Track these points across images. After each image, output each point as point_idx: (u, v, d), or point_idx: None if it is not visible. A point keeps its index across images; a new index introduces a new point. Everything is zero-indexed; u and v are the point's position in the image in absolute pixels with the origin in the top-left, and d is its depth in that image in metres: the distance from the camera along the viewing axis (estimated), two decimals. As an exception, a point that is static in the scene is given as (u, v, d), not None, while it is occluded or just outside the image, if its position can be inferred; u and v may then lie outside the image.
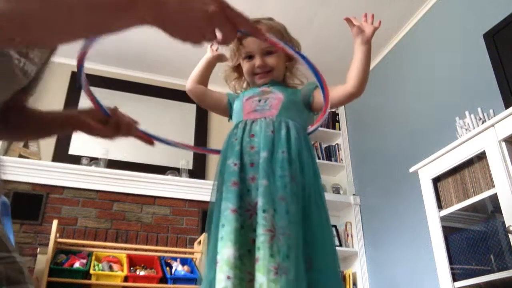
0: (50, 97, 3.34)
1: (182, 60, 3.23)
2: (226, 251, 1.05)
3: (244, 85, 1.47)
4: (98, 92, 4.21)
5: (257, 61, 1.35)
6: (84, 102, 3.90)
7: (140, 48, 3.35)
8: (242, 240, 1.08)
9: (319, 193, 1.20)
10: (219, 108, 1.48)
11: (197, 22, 0.59)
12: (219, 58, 1.54)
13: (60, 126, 1.04)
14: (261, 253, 1.03)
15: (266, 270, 1.00)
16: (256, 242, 1.06)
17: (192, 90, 1.49)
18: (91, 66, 3.53)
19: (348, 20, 1.35)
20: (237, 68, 1.45)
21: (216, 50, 1.54)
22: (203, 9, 0.58)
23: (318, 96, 1.32)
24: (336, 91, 1.31)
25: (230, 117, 1.44)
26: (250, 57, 1.37)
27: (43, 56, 0.82)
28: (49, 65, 0.89)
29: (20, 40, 0.54)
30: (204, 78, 1.52)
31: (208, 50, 1.56)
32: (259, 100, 1.32)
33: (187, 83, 1.51)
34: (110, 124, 1.04)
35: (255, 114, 1.29)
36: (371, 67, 3.89)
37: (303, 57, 1.05)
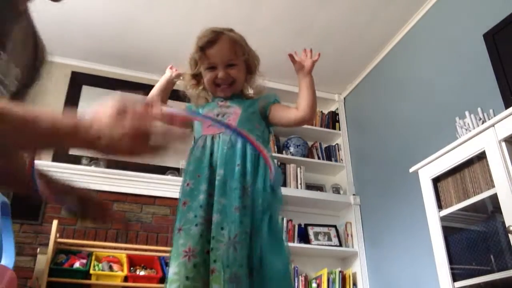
0: (50, 97, 3.34)
1: (183, 61, 3.23)
2: (182, 258, 1.16)
3: (202, 93, 1.48)
4: (98, 92, 4.20)
5: (220, 73, 1.38)
6: (85, 102, 3.89)
7: (141, 48, 3.35)
8: (199, 249, 1.16)
9: (272, 204, 1.23)
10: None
11: (131, 146, 0.67)
12: (178, 76, 1.62)
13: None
14: (217, 265, 1.12)
15: (222, 281, 1.10)
16: (211, 254, 1.15)
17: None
18: (92, 66, 3.53)
19: (290, 56, 1.44)
20: (196, 76, 1.46)
21: (176, 70, 1.63)
22: (126, 135, 0.66)
23: (274, 111, 1.39)
24: (289, 115, 1.39)
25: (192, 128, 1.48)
26: (212, 68, 1.40)
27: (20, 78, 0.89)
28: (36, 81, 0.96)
29: None
30: (163, 97, 1.58)
31: (167, 71, 1.64)
32: (217, 115, 1.37)
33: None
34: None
35: (213, 130, 1.33)
36: (371, 67, 3.89)
37: (228, 127, 1.20)
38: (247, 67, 1.44)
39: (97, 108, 0.71)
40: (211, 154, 1.29)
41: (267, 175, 1.25)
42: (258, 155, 1.25)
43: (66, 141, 0.69)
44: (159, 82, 1.63)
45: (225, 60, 1.38)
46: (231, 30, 1.44)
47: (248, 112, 1.37)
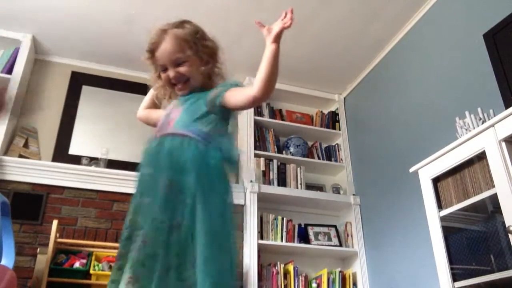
0: (50, 97, 3.35)
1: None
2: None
3: (166, 93, 1.46)
4: (98, 92, 4.21)
5: (170, 73, 1.36)
6: (85, 102, 3.91)
7: (141, 48, 3.35)
8: (123, 251, 1.17)
9: (210, 200, 1.17)
10: None
11: None
12: None
13: None
14: (127, 266, 1.11)
15: (124, 281, 1.09)
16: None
17: (140, 117, 1.60)
18: (92, 66, 3.53)
19: (258, 23, 1.30)
20: (160, 77, 1.44)
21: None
22: None
23: (229, 96, 1.28)
24: (241, 96, 1.27)
25: None
26: (164, 69, 1.38)
27: None
28: None
29: None
30: (153, 106, 1.59)
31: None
32: (165, 116, 1.37)
33: (138, 112, 1.61)
34: None
35: (159, 131, 1.33)
36: (371, 67, 3.89)
37: None
38: (200, 60, 1.37)
39: None
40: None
41: (206, 166, 1.20)
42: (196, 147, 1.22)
43: None
44: (147, 95, 1.62)
45: (172, 59, 1.34)
46: (178, 25, 1.37)
47: (193, 106, 1.32)
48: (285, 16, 1.27)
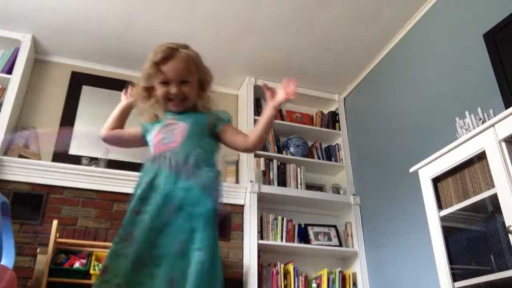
0: (50, 97, 3.35)
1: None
2: None
3: (153, 107, 1.49)
4: (98, 92, 4.20)
5: (172, 89, 1.41)
6: (85, 102, 3.91)
7: (141, 48, 3.35)
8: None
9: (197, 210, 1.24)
10: (138, 143, 1.55)
11: None
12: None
13: None
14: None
15: None
16: None
17: (107, 136, 1.55)
18: (92, 66, 3.53)
19: (264, 85, 1.46)
20: (148, 89, 1.47)
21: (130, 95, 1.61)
22: None
23: (224, 133, 1.44)
24: (236, 142, 1.44)
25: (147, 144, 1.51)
26: (165, 83, 1.42)
27: None
28: None
29: None
30: (119, 125, 1.58)
31: (122, 98, 1.63)
32: (166, 132, 1.40)
33: (101, 133, 1.56)
34: None
35: (161, 148, 1.37)
36: (371, 67, 3.90)
37: None
38: (199, 84, 1.47)
39: None
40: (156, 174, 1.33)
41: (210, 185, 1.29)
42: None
43: None
44: (114, 111, 1.61)
45: (179, 77, 1.41)
46: (186, 47, 1.46)
47: (196, 125, 1.41)
48: (287, 86, 1.39)
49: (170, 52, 1.41)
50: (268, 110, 1.42)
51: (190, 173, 1.28)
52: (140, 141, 1.52)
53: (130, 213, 1.26)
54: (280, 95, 1.40)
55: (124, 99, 1.63)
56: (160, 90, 1.43)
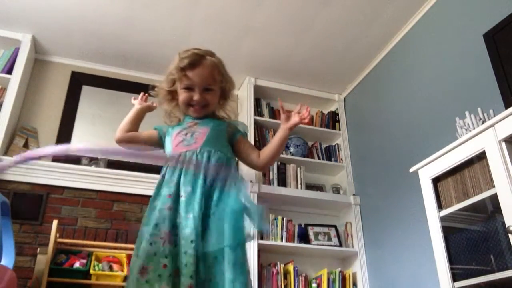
0: (50, 97, 3.35)
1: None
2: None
3: (174, 110, 1.52)
4: (98, 92, 4.20)
5: (196, 95, 1.43)
6: (85, 102, 3.90)
7: (141, 48, 3.35)
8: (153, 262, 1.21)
9: (228, 211, 1.23)
10: (153, 144, 1.55)
11: None
12: (149, 108, 1.66)
13: None
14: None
15: None
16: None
17: (121, 138, 1.57)
18: (92, 66, 3.53)
19: (281, 107, 1.51)
20: (172, 92, 1.49)
21: (145, 100, 1.66)
22: None
23: (239, 145, 1.46)
24: (249, 158, 1.46)
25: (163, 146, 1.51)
26: (189, 88, 1.43)
27: None
28: None
29: None
30: (134, 128, 1.59)
31: (135, 102, 1.66)
32: (186, 134, 1.41)
33: (116, 134, 1.58)
34: None
35: (182, 148, 1.38)
36: (371, 67, 3.90)
37: None
38: (222, 92, 1.49)
39: None
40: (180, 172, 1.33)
41: (235, 186, 1.29)
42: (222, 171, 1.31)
43: None
44: (128, 114, 1.63)
45: (204, 84, 1.43)
46: (212, 54, 1.47)
47: (216, 130, 1.43)
48: (299, 111, 1.47)
49: (197, 59, 1.42)
50: (281, 131, 1.45)
51: (219, 175, 1.29)
52: (156, 144, 1.53)
53: (159, 209, 1.28)
54: (295, 119, 1.45)
55: (137, 103, 1.66)
56: (183, 96, 1.44)
